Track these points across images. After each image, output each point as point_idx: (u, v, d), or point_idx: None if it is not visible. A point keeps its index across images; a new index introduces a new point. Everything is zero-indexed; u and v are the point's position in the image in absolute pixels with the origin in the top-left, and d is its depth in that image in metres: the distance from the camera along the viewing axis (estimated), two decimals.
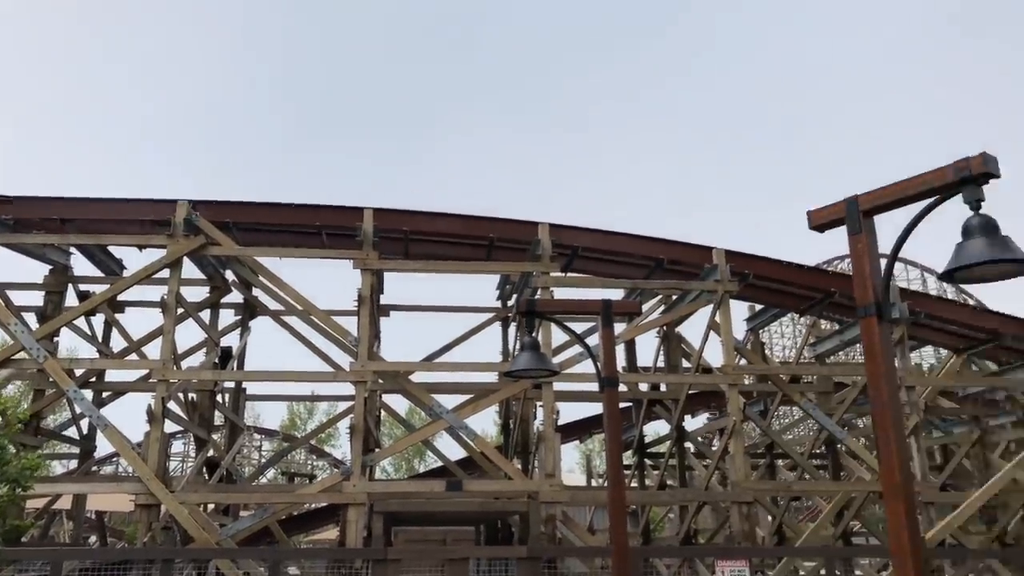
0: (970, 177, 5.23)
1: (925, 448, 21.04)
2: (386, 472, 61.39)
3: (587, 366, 18.21)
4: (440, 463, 25.16)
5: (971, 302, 50.59)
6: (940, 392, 24.35)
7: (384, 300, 22.62)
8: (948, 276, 5.38)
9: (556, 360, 18.21)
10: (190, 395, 20.89)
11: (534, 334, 10.05)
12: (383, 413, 23.45)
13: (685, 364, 22.51)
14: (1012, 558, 18.86)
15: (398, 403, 57.75)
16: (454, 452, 25.07)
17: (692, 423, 28.56)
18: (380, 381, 19.55)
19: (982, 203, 5.24)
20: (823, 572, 23.29)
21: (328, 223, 19.47)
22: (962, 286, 64.93)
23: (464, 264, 19.91)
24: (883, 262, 5.67)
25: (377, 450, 20.87)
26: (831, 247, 71.31)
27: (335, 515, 22.29)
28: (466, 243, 20.56)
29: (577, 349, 19.46)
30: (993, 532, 20.96)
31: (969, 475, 25.14)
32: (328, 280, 23.15)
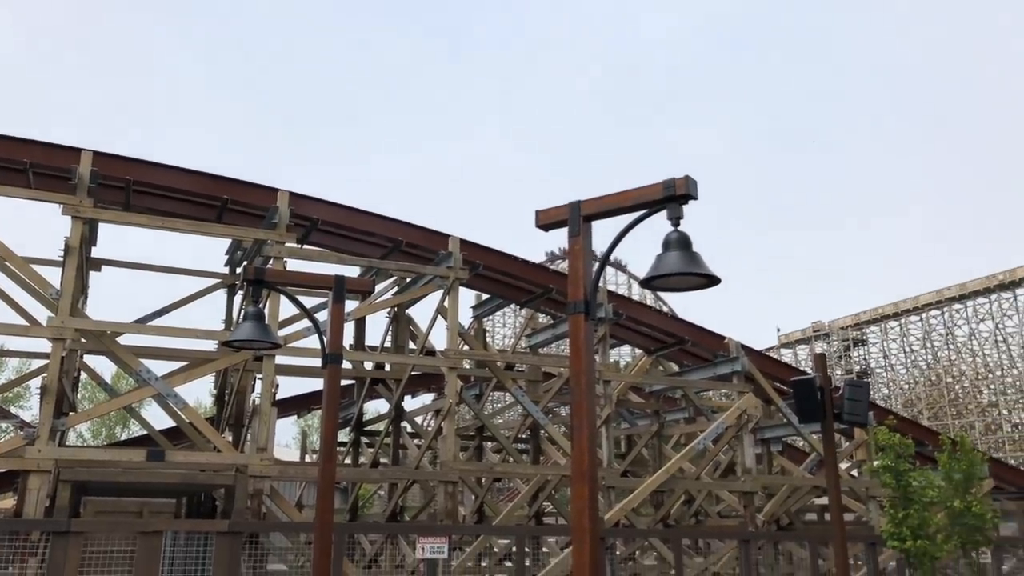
0: (674, 196, 5.75)
1: (613, 437, 23.47)
2: (83, 439, 56.41)
3: (313, 341, 18.08)
4: (145, 432, 23.58)
5: (665, 309, 56.78)
6: (631, 387, 27.22)
7: (96, 253, 20.71)
8: (647, 283, 6.00)
9: (281, 333, 17.89)
10: None
11: (260, 304, 9.88)
12: (83, 375, 21.50)
13: (412, 345, 23.09)
14: (672, 537, 21.61)
15: (103, 365, 53.00)
16: (163, 421, 23.54)
17: (412, 403, 29.34)
18: (83, 340, 17.93)
19: (681, 220, 5.81)
20: (515, 549, 25.23)
21: (38, 161, 17.40)
22: (661, 295, 71.94)
23: (192, 224, 18.75)
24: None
25: (72, 414, 19.13)
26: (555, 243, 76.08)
27: (15, 482, 20.08)
28: (197, 202, 19.42)
29: (304, 323, 19.21)
30: (659, 514, 23.89)
31: (646, 463, 28.37)
32: (33, 225, 20.74)
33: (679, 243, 5.80)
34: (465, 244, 20.78)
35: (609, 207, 6.13)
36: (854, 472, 26.53)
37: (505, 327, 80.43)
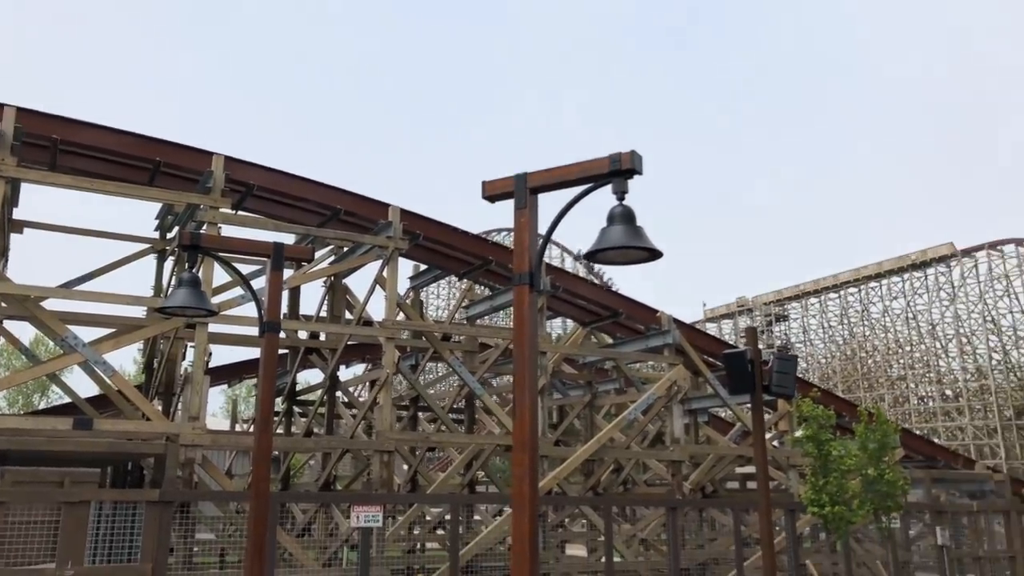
0: (619, 170, 5.80)
1: (547, 408, 23.84)
2: None
3: (245, 309, 17.84)
4: (68, 400, 22.89)
5: (597, 283, 57.49)
6: (565, 359, 27.62)
7: (18, 215, 19.88)
8: (591, 256, 6.01)
9: (214, 300, 17.54)
10: None
11: (194, 270, 9.66)
12: (2, 341, 20.70)
13: (348, 315, 22.93)
14: (602, 504, 22.15)
15: (22, 331, 51.03)
16: (87, 389, 22.88)
17: (345, 373, 29.22)
18: (3, 305, 17.27)
19: (626, 194, 5.88)
20: (448, 517, 25.52)
21: None
22: (596, 268, 72.42)
23: (122, 186, 18.06)
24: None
25: None
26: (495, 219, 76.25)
27: None
28: (127, 164, 18.73)
29: (238, 291, 18.88)
30: (589, 482, 24.42)
31: (578, 433, 28.92)
32: None
33: (623, 217, 5.86)
34: (405, 214, 20.61)
35: (555, 180, 6.15)
36: (775, 443, 27.56)
37: (439, 298, 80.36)
